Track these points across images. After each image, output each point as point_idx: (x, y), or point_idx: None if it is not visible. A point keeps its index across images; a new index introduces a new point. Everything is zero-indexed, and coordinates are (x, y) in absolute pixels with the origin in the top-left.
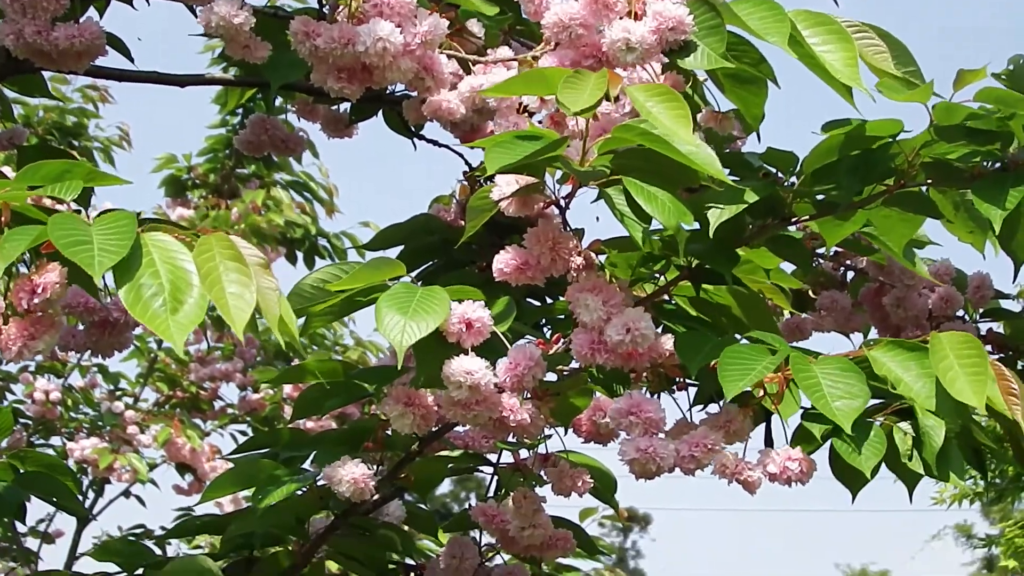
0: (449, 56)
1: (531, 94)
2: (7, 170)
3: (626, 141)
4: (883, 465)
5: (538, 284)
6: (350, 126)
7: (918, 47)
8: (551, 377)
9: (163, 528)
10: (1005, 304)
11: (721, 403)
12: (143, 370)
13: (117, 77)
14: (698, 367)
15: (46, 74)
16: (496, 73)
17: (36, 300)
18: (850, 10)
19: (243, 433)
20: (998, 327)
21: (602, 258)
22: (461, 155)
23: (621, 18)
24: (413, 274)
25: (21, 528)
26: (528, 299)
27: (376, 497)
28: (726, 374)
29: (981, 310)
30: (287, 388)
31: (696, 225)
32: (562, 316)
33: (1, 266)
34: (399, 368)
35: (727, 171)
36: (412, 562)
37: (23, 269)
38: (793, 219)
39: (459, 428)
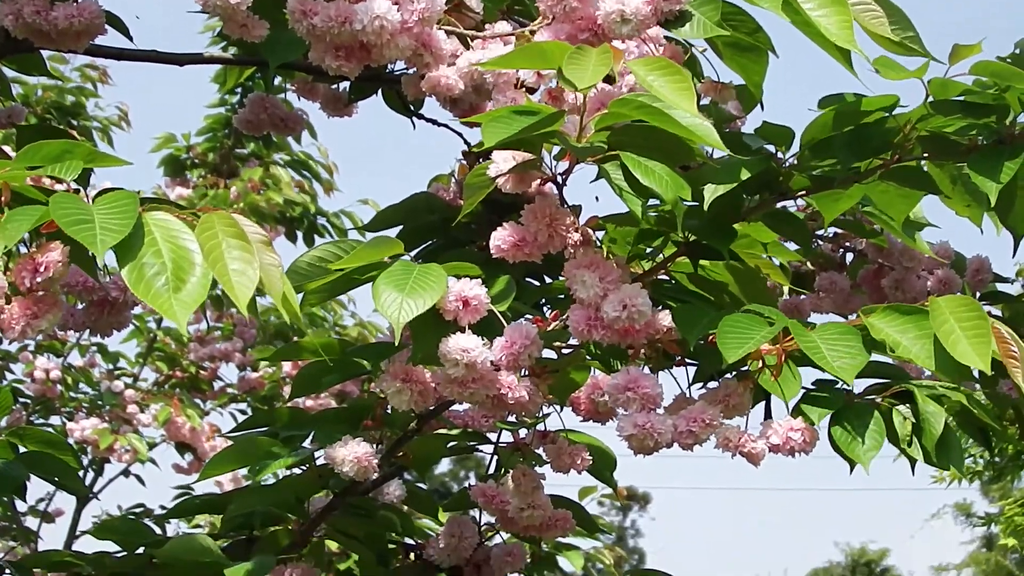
0: (448, 33)
1: (529, 68)
2: (7, 149)
3: (623, 116)
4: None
5: (536, 261)
6: (349, 105)
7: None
8: (550, 355)
9: (163, 507)
10: (1003, 287)
11: (720, 378)
12: (142, 350)
13: (116, 56)
14: (696, 338)
15: (45, 53)
16: (494, 48)
17: (38, 279)
18: None
19: (242, 412)
20: (997, 311)
21: (599, 235)
22: (460, 134)
23: None
24: (412, 253)
25: (21, 507)
26: (527, 279)
27: (376, 476)
28: (725, 341)
29: (980, 293)
30: (286, 367)
31: (694, 201)
32: (561, 295)
33: (4, 246)
34: (396, 345)
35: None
36: (411, 541)
37: (23, 251)
38: (790, 194)
39: (458, 407)
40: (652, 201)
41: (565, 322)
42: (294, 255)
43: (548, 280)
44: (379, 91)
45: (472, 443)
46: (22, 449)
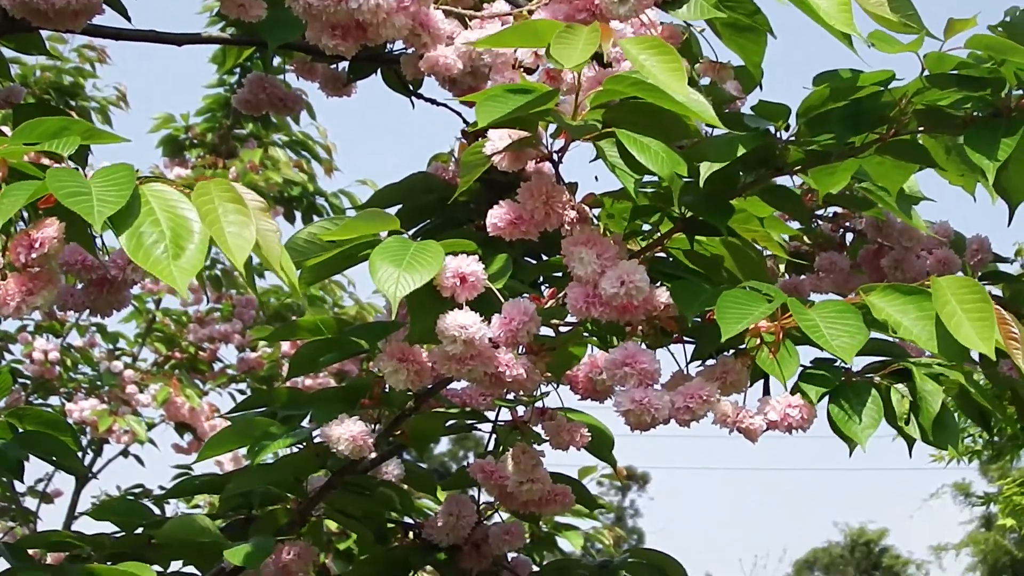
0: (446, 13)
1: (522, 47)
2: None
3: (618, 92)
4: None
5: (532, 239)
6: (348, 85)
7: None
8: (548, 333)
9: (162, 487)
10: (1003, 267)
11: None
12: (141, 330)
13: (114, 36)
14: (695, 314)
15: (43, 33)
16: (492, 28)
17: (34, 255)
18: None
19: (242, 393)
20: (997, 290)
21: (596, 212)
22: (459, 113)
23: None
24: (410, 232)
25: (20, 488)
26: (525, 258)
27: (374, 455)
28: (724, 316)
29: (979, 273)
30: (284, 347)
31: (690, 177)
32: (558, 273)
33: (0, 221)
34: (393, 320)
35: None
36: (410, 520)
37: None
38: (786, 169)
39: (456, 386)
40: (649, 177)
41: (563, 299)
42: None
43: (545, 258)
44: (378, 71)
45: (470, 422)
46: (21, 430)
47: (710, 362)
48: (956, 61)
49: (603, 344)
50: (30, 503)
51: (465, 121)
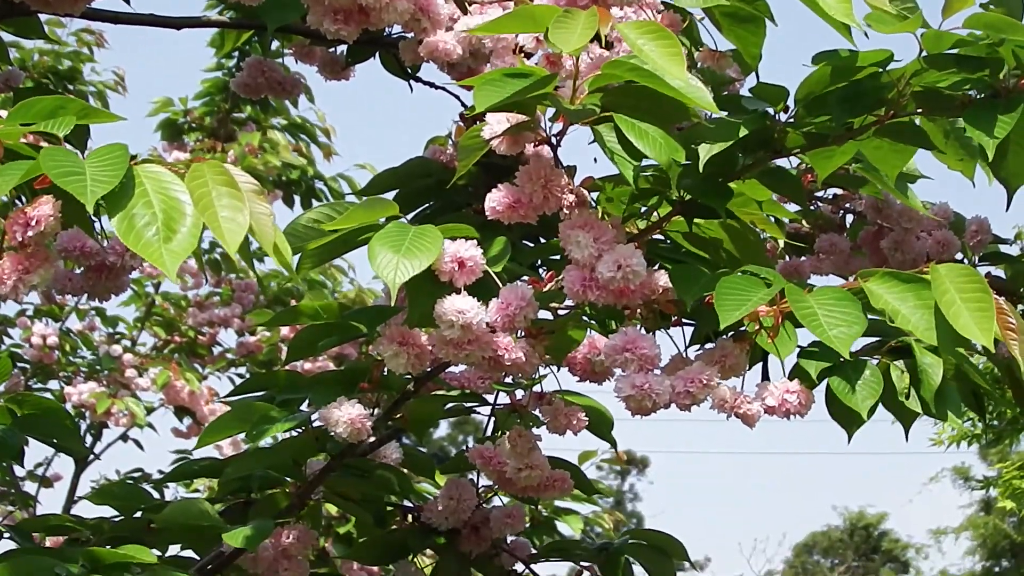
0: None
1: (520, 32)
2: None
3: (616, 77)
4: (880, 406)
5: (531, 223)
6: (347, 68)
7: None
8: (546, 315)
9: (161, 472)
10: (1003, 248)
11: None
12: (141, 315)
13: (112, 19)
14: (694, 299)
15: (42, 17)
16: (492, 12)
17: (30, 233)
18: None
19: (241, 377)
20: (996, 271)
21: (594, 195)
22: (458, 96)
23: None
24: (409, 217)
25: (19, 472)
26: (523, 240)
27: (372, 439)
28: (722, 303)
29: (979, 254)
30: (284, 330)
31: (688, 161)
32: (556, 256)
33: None
34: (392, 306)
35: (724, 114)
36: (410, 503)
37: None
38: (785, 152)
39: (454, 369)
40: (648, 161)
41: (561, 283)
42: (291, 219)
43: (544, 241)
44: (377, 54)
45: (469, 405)
46: (20, 415)
47: (709, 345)
48: (954, 39)
49: (602, 328)
50: (29, 487)
51: (463, 104)
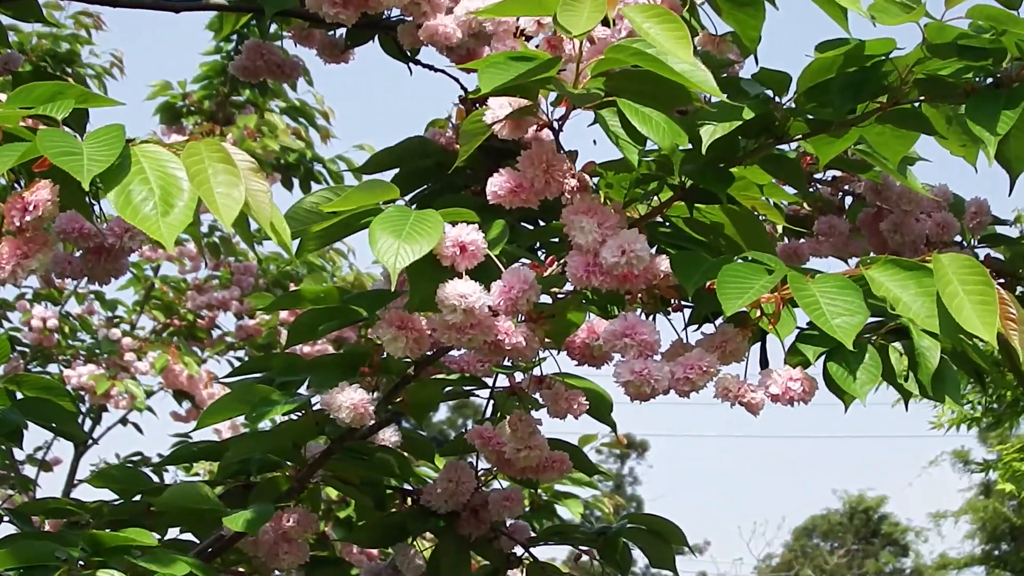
0: None
1: (525, 15)
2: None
3: (619, 62)
4: (880, 387)
5: (532, 207)
6: (346, 51)
7: None
8: (546, 299)
9: (160, 455)
10: (1002, 230)
11: (717, 323)
12: (140, 298)
13: (111, 3)
14: (695, 286)
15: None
16: None
17: (28, 218)
18: None
19: (240, 360)
20: (996, 253)
21: (596, 180)
22: (457, 79)
23: None
24: (407, 197)
25: (19, 455)
26: (522, 222)
27: (372, 422)
28: (724, 292)
29: (979, 236)
30: (283, 314)
31: (690, 145)
32: (556, 238)
33: None
34: (392, 291)
35: (720, 91)
36: (409, 487)
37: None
38: (787, 138)
39: (454, 352)
40: (649, 146)
41: (562, 267)
42: (291, 202)
43: (542, 223)
44: (376, 38)
45: (468, 388)
46: (20, 396)
47: (707, 327)
48: (957, 32)
49: (603, 312)
50: (29, 471)
51: (463, 87)
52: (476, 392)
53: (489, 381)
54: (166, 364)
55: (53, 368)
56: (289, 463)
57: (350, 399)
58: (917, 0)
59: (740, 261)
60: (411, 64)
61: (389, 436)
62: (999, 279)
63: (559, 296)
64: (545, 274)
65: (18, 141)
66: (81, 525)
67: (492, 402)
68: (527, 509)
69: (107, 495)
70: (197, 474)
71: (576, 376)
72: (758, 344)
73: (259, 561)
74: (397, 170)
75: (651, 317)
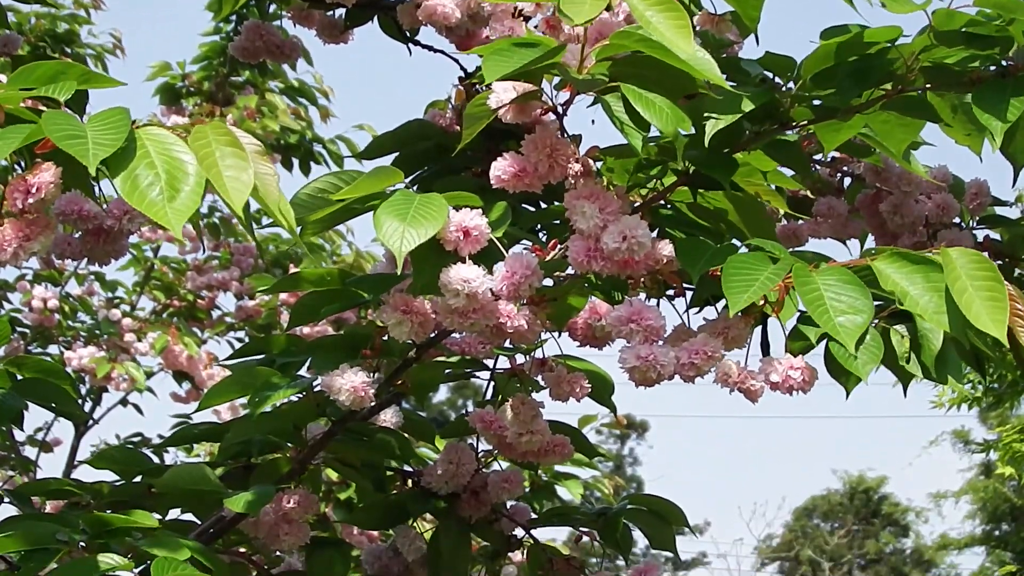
0: None
1: (528, 0)
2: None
3: (624, 47)
4: (880, 368)
5: (536, 191)
6: (345, 32)
7: None
8: (548, 283)
9: (161, 436)
10: (1002, 211)
11: (719, 306)
12: (139, 279)
13: None
14: (700, 273)
15: None
16: None
17: (31, 200)
18: None
19: (240, 341)
20: (995, 234)
21: (599, 165)
22: (457, 60)
23: None
24: (408, 180)
25: (19, 436)
26: (523, 204)
27: (373, 404)
28: (730, 286)
29: (978, 217)
30: (283, 295)
31: (694, 131)
32: (557, 221)
33: None
34: (398, 275)
35: (724, 76)
36: (409, 468)
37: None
38: (791, 124)
39: (456, 335)
40: (653, 132)
41: (564, 251)
42: (290, 182)
43: (543, 205)
44: (375, 18)
45: (470, 370)
46: (20, 378)
47: (708, 310)
48: (966, 18)
49: (605, 296)
50: (29, 452)
51: (462, 68)
52: (477, 374)
53: (490, 363)
54: (166, 345)
55: (53, 349)
56: (290, 444)
57: (350, 382)
58: None
59: (744, 250)
60: (410, 44)
61: (390, 417)
62: (997, 260)
63: (561, 279)
64: (547, 258)
65: (21, 122)
66: (82, 506)
67: (492, 383)
68: (527, 490)
69: (108, 476)
70: (197, 455)
71: (577, 358)
72: (759, 327)
73: (260, 542)
74: (397, 153)
75: (655, 301)
